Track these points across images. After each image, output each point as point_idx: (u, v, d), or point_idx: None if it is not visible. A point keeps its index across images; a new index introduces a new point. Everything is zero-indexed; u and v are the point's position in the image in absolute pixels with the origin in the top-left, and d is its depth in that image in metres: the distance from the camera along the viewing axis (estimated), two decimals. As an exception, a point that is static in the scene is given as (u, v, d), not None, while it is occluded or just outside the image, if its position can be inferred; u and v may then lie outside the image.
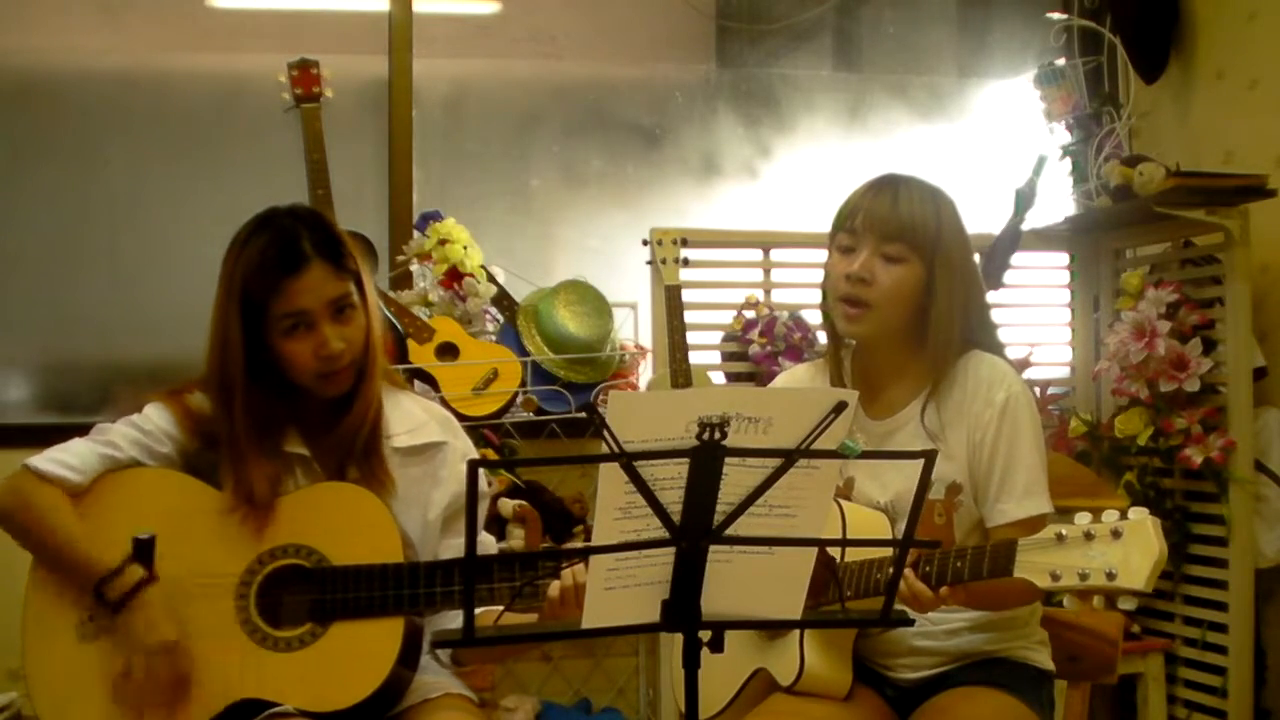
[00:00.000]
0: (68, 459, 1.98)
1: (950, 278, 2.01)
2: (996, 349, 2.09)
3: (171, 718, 1.88)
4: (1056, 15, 3.64)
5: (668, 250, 3.26)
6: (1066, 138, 3.59)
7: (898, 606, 1.67)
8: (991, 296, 3.43)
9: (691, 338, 3.25)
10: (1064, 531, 1.67)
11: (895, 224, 1.99)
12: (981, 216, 3.44)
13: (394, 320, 3.17)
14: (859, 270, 2.00)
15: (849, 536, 1.96)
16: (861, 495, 2.07)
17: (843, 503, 2.01)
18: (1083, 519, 1.66)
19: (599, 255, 3.69)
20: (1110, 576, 1.60)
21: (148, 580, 1.91)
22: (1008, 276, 3.41)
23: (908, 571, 1.79)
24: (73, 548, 1.93)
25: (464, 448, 2.16)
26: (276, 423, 2.03)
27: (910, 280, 2.00)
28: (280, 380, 2.02)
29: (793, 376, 2.30)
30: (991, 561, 1.75)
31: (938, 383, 2.03)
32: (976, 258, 3.29)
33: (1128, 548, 1.61)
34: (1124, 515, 1.63)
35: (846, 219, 2.04)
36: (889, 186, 2.04)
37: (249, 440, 1.98)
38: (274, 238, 1.98)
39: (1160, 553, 1.59)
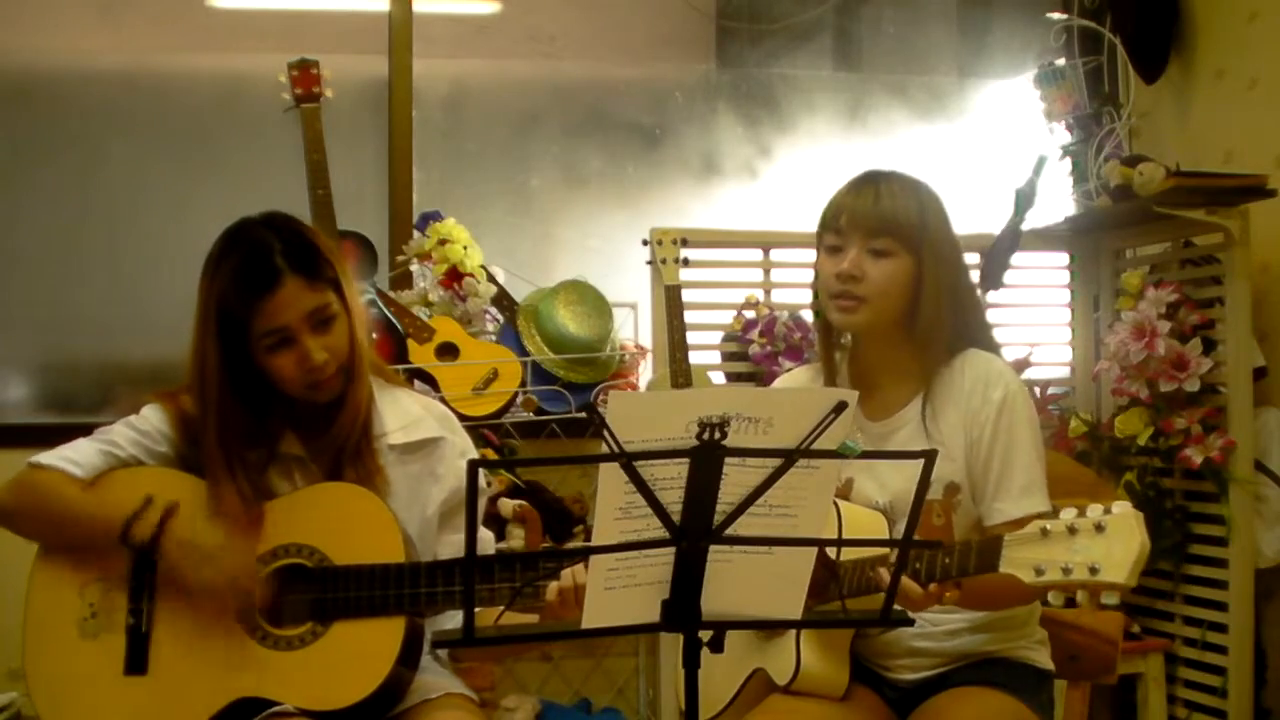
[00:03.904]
0: (71, 455, 2.00)
1: (937, 266, 2.02)
2: (992, 346, 2.10)
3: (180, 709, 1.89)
4: (1056, 15, 3.64)
5: (668, 250, 3.26)
6: (1066, 138, 3.59)
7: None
8: (992, 296, 3.45)
9: (691, 338, 3.25)
10: (1048, 526, 1.65)
11: (879, 219, 2.01)
12: (981, 216, 3.45)
13: (394, 320, 3.18)
14: (849, 268, 2.01)
15: (846, 537, 1.96)
16: (860, 496, 2.07)
17: (840, 503, 2.01)
18: (1068, 514, 1.64)
19: (599, 255, 3.69)
20: (1093, 571, 1.58)
21: (172, 510, 1.93)
22: (1008, 276, 3.41)
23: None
24: (88, 511, 1.95)
25: (462, 444, 2.16)
26: (270, 429, 2.04)
27: (900, 273, 2.01)
28: (269, 390, 2.01)
29: (793, 378, 2.30)
30: (978, 557, 1.75)
31: (932, 377, 2.04)
32: (976, 257, 3.35)
33: (1110, 542, 1.59)
34: (1108, 510, 1.62)
35: (832, 219, 2.06)
36: (870, 183, 2.06)
37: (223, 455, 1.98)
38: (245, 255, 1.96)
39: (1142, 546, 1.57)
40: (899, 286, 2.01)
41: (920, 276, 2.02)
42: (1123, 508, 1.61)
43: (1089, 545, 1.61)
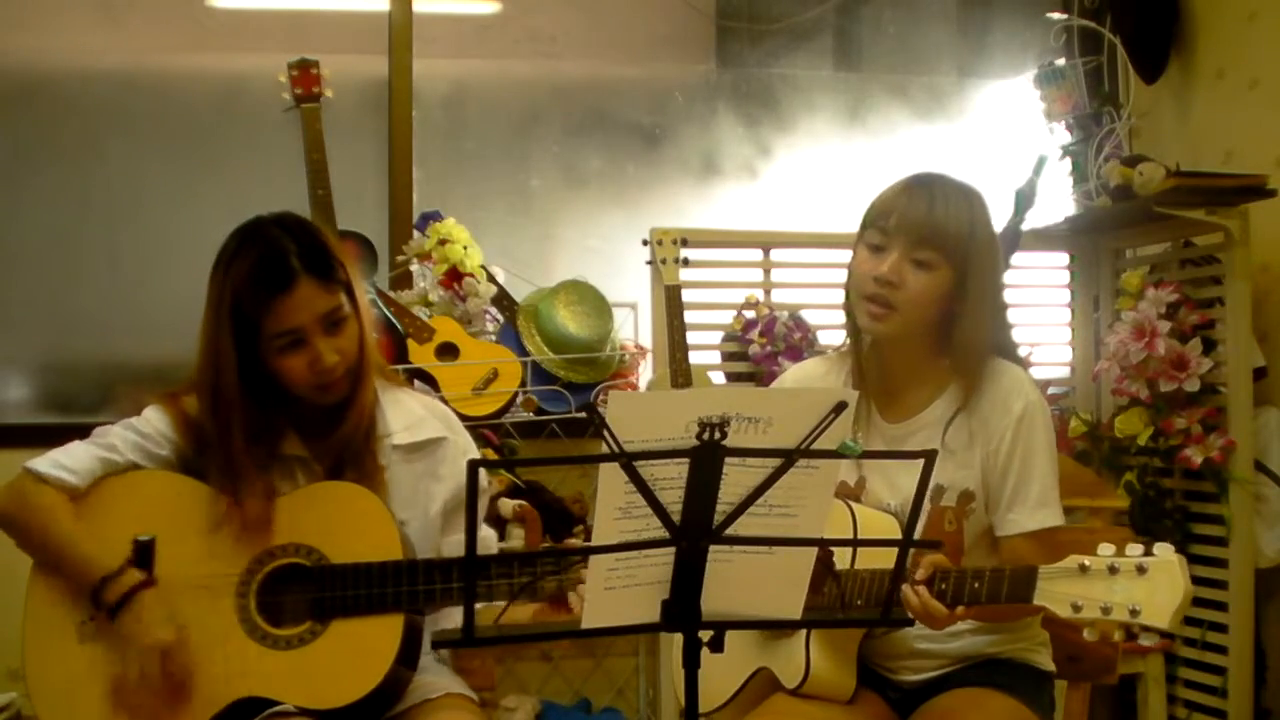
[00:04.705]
0: (66, 462, 1.98)
1: (981, 285, 1.99)
2: (1013, 354, 2.09)
3: (172, 718, 1.88)
4: (1056, 15, 3.64)
5: (667, 250, 3.26)
6: (1066, 138, 3.59)
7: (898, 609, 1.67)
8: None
9: (691, 338, 3.26)
10: (1087, 563, 1.65)
11: (929, 229, 1.96)
12: (981, 216, 3.45)
13: (394, 320, 3.18)
14: (887, 273, 1.96)
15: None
16: (872, 497, 2.06)
17: (854, 506, 2.00)
18: (1106, 550, 1.64)
19: (599, 255, 3.69)
20: (1134, 613, 1.59)
21: (145, 583, 1.91)
22: (1008, 277, 3.41)
23: (921, 589, 1.78)
24: (72, 550, 1.94)
25: (464, 444, 2.15)
26: (273, 428, 2.03)
27: (938, 287, 1.97)
28: (275, 389, 2.01)
29: (803, 371, 2.28)
30: (1011, 586, 1.74)
31: (954, 386, 2.02)
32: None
33: (1153, 585, 1.60)
34: (1149, 551, 1.62)
35: (879, 218, 2.01)
36: (924, 187, 2.00)
37: (244, 455, 1.98)
38: (262, 255, 1.95)
39: (1186, 593, 1.58)
40: (934, 299, 1.98)
41: (959, 291, 1.98)
42: (1164, 550, 1.62)
43: (1130, 586, 1.61)
